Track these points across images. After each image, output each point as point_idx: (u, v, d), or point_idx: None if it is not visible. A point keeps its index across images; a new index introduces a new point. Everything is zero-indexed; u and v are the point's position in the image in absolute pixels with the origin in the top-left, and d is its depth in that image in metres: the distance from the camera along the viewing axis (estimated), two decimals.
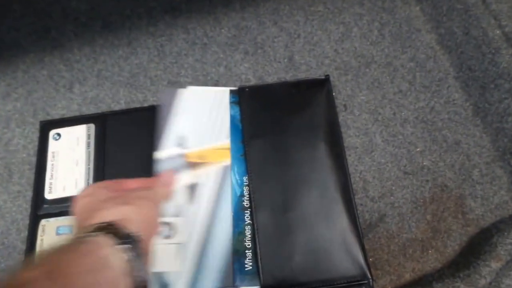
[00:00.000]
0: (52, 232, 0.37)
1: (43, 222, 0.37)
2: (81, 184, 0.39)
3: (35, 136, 0.43)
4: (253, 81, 0.44)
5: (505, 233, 0.35)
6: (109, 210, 0.27)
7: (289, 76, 0.44)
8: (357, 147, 0.41)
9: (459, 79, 0.43)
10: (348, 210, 0.35)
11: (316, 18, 0.47)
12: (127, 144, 0.40)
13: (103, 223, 0.25)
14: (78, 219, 0.29)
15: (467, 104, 0.42)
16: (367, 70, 0.44)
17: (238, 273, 0.34)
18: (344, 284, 0.33)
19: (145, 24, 0.48)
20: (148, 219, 0.29)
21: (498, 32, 0.38)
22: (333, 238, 0.34)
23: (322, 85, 0.41)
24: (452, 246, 0.37)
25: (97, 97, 0.45)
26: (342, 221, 0.35)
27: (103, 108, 0.44)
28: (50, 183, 0.39)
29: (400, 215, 0.38)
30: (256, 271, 0.34)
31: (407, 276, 0.36)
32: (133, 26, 0.48)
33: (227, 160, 0.38)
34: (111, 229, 0.25)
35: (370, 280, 0.33)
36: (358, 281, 0.33)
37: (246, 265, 0.34)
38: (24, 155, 0.42)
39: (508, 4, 0.39)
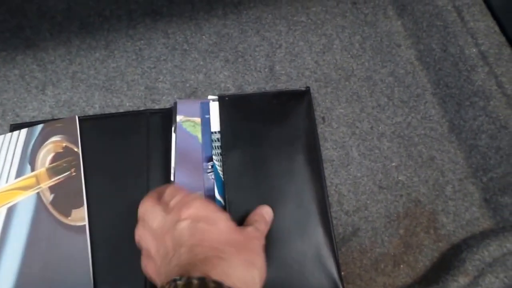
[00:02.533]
0: None
1: None
2: None
3: None
4: (232, 90, 0.43)
5: (474, 249, 0.35)
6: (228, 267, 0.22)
7: (269, 86, 0.44)
8: (333, 160, 0.41)
9: (436, 95, 0.43)
10: (324, 224, 0.35)
11: (298, 28, 0.46)
12: (103, 151, 0.39)
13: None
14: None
15: (443, 120, 0.42)
16: (347, 83, 0.44)
17: None
18: None
19: (125, 27, 0.47)
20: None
21: (474, 50, 0.39)
22: (307, 252, 0.34)
23: (302, 97, 0.41)
24: (424, 262, 0.38)
25: (70, 100, 0.43)
26: (317, 234, 0.35)
27: (76, 111, 0.43)
28: None
29: (374, 229, 0.38)
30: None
31: None
32: (111, 28, 0.47)
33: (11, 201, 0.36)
34: None
35: None
36: None
37: None
38: None
39: (485, 22, 0.40)
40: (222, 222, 0.26)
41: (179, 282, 0.20)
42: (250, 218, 0.32)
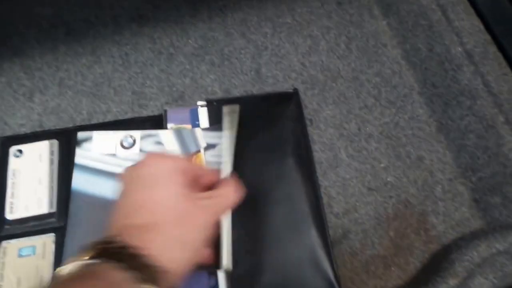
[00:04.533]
0: (14, 254, 0.35)
1: (4, 244, 0.35)
2: (45, 203, 0.37)
3: None
4: (219, 93, 0.43)
5: (463, 250, 0.35)
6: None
7: (255, 89, 0.43)
8: (322, 162, 0.40)
9: (423, 95, 0.43)
10: (318, 225, 0.35)
11: (284, 30, 0.46)
12: None
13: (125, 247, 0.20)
14: (119, 205, 0.24)
15: (431, 120, 0.42)
16: (334, 84, 0.44)
17: None
18: None
19: (110, 32, 0.47)
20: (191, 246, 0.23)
21: (459, 49, 0.39)
22: (302, 254, 0.34)
23: (291, 98, 0.40)
24: (414, 263, 0.37)
25: (58, 107, 0.43)
26: (311, 236, 0.35)
27: (65, 118, 0.42)
28: (11, 203, 0.37)
29: (364, 231, 0.38)
30: None
31: None
32: (97, 34, 0.47)
33: None
34: (132, 259, 0.20)
35: None
36: None
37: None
38: None
39: (470, 21, 0.40)
40: (172, 186, 0.24)
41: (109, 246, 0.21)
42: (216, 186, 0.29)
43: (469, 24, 0.39)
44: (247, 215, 0.35)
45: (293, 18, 0.47)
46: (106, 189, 0.37)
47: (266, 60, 0.45)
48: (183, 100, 0.43)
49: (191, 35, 0.46)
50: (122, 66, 0.45)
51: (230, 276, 0.33)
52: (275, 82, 0.44)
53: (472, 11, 0.39)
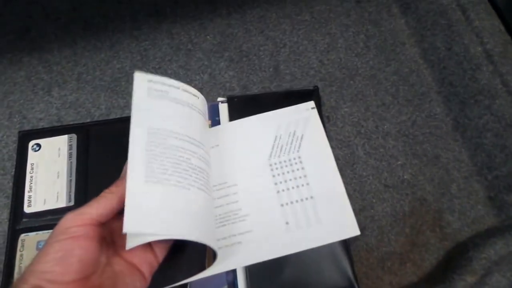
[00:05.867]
0: (32, 247, 0.35)
1: (23, 236, 0.36)
2: (63, 197, 0.37)
3: (10, 140, 0.42)
4: (237, 90, 0.44)
5: (481, 248, 0.35)
6: None
7: (273, 86, 0.44)
8: (339, 159, 0.41)
9: (441, 93, 0.43)
10: None
11: (302, 27, 0.47)
12: (111, 156, 0.39)
13: None
14: None
15: (448, 118, 0.42)
16: (351, 82, 0.44)
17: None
18: None
19: (129, 28, 0.47)
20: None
21: (479, 49, 0.39)
22: (321, 249, 0.34)
23: (311, 96, 0.41)
24: (430, 260, 0.38)
25: (76, 101, 0.44)
26: None
27: (82, 113, 0.43)
28: (29, 196, 0.37)
29: (380, 228, 0.39)
30: (245, 285, 0.33)
31: None
32: (116, 29, 0.47)
33: None
34: None
35: None
36: None
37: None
38: None
39: (490, 21, 0.40)
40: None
41: None
42: None
43: (489, 24, 0.39)
44: None
45: (311, 16, 0.47)
46: None
47: (285, 57, 0.45)
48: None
49: (209, 31, 0.46)
50: (140, 61, 0.45)
51: (249, 271, 0.34)
52: (293, 79, 0.44)
53: (492, 11, 0.39)
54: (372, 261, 0.38)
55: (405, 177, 0.40)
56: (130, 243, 0.24)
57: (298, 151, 0.34)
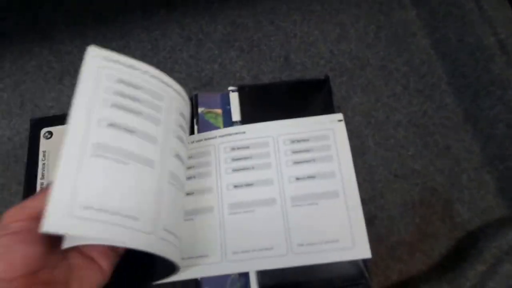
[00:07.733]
0: None
1: None
2: None
3: (22, 128, 0.42)
4: (247, 80, 0.44)
5: (491, 238, 0.35)
6: None
7: (284, 76, 0.44)
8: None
9: (452, 84, 0.43)
10: None
11: (313, 18, 0.46)
12: None
13: None
14: None
15: (459, 109, 0.42)
16: (362, 72, 0.44)
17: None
18: (342, 284, 0.33)
19: (139, 18, 0.47)
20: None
21: (492, 39, 0.39)
22: None
23: (322, 85, 0.41)
24: (439, 250, 0.38)
25: None
26: None
27: None
28: (42, 183, 0.38)
29: (389, 217, 0.39)
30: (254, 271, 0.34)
31: (394, 278, 0.37)
32: (126, 19, 0.47)
33: None
34: None
35: (368, 280, 0.33)
36: (355, 280, 0.33)
37: None
38: (9, 147, 0.41)
39: (504, 11, 0.40)
40: None
41: None
42: None
43: (503, 14, 0.39)
44: None
45: (322, 7, 0.47)
46: None
47: (295, 48, 0.45)
48: (211, 85, 0.44)
49: (220, 21, 0.46)
50: (151, 51, 0.45)
51: None
52: (303, 69, 0.44)
53: (505, 1, 0.39)
54: (381, 250, 0.38)
55: (415, 167, 0.40)
56: (66, 243, 0.22)
57: (320, 163, 0.36)
